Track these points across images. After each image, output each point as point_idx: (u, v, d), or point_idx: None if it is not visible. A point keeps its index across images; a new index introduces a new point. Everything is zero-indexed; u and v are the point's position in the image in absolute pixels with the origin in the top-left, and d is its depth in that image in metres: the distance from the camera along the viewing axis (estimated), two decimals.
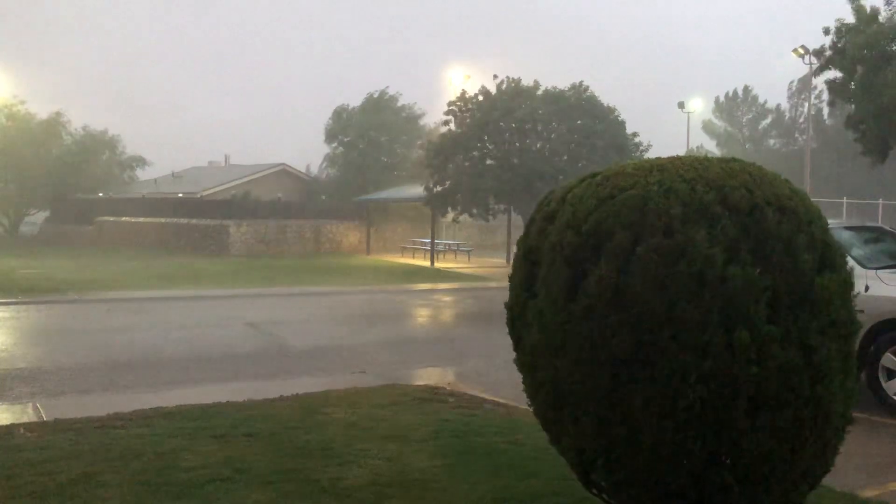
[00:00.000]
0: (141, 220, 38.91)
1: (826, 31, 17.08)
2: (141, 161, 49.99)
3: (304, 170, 48.78)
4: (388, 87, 45.70)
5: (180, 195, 41.87)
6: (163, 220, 37.67)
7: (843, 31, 16.82)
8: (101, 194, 45.68)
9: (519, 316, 3.91)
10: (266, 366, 10.26)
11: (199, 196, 40.60)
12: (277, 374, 9.71)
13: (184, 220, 36.54)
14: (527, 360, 3.87)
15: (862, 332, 7.13)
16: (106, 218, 41.15)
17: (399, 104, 45.54)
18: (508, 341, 4.18)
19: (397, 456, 5.64)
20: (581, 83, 30.62)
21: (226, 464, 5.37)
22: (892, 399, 7.49)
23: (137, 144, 52.93)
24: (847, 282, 3.64)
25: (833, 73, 17.81)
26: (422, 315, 17.28)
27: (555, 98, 29.89)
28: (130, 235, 38.61)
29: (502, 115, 29.27)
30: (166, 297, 18.71)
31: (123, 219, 40.04)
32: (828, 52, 17.36)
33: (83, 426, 6.44)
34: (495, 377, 9.25)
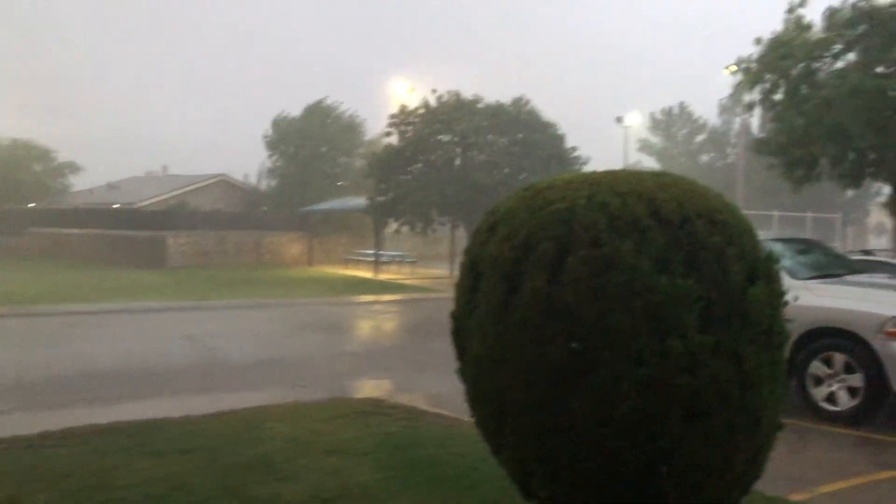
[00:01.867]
0: (75, 231, 37.83)
1: (757, 41, 17.50)
2: (73, 167, 48.65)
3: (244, 180, 48.12)
4: (327, 96, 45.32)
5: (116, 206, 40.89)
6: (98, 231, 36.69)
7: (772, 43, 17.29)
8: (33, 205, 44.27)
9: (463, 326, 3.94)
10: (205, 380, 10.07)
11: (135, 207, 39.71)
12: (217, 388, 9.54)
13: (120, 232, 35.66)
14: (469, 371, 3.90)
15: (791, 341, 7.39)
16: (38, 229, 39.89)
17: (339, 113, 45.18)
18: (452, 352, 4.20)
19: (339, 470, 5.59)
20: (522, 97, 31.03)
21: (162, 481, 5.25)
22: (820, 405, 7.74)
23: (71, 154, 51.44)
24: (778, 292, 3.76)
25: (762, 86, 18.21)
26: (365, 327, 17.21)
27: (496, 111, 30.20)
28: (64, 247, 37.49)
29: (444, 128, 29.45)
30: (101, 310, 18.21)
31: (56, 230, 38.88)
32: (754, 66, 17.78)
33: (9, 446, 6.21)
34: (438, 389, 9.25)
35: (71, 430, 6.72)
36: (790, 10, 17.19)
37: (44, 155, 47.36)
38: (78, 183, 49.04)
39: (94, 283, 24.96)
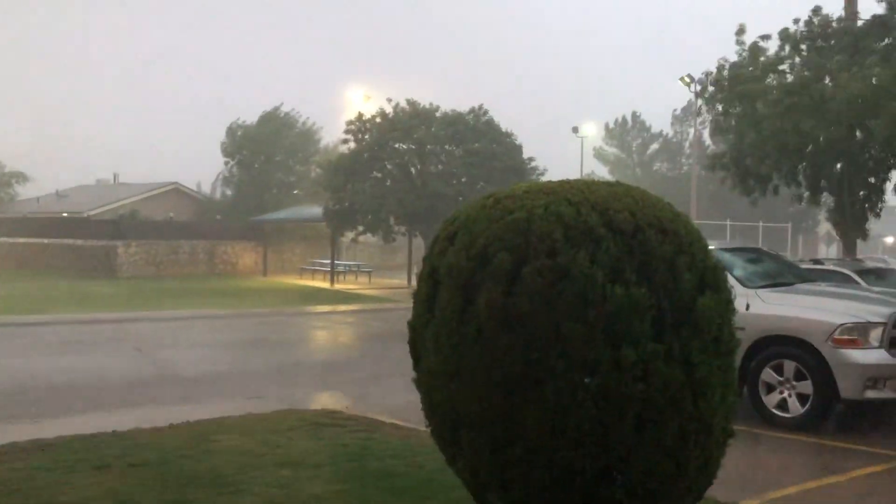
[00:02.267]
0: (22, 240, 36.89)
1: (719, 69, 17.89)
2: (21, 177, 47.46)
3: (198, 189, 47.42)
4: (282, 103, 44.85)
5: (65, 215, 39.98)
6: (46, 240, 35.82)
7: (725, 68, 17.73)
8: None
9: (420, 336, 3.91)
10: (155, 393, 9.85)
11: (85, 216, 38.87)
12: (167, 401, 9.33)
13: (69, 241, 34.86)
14: (424, 381, 3.87)
15: (743, 349, 7.52)
16: None
17: (295, 121, 44.74)
18: (409, 363, 4.16)
19: (291, 482, 5.51)
20: (480, 107, 31.13)
21: (108, 496, 5.11)
22: (771, 412, 7.87)
23: (17, 162, 50.08)
24: (727, 301, 3.81)
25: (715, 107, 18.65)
26: (320, 338, 17.05)
27: (453, 121, 30.27)
28: (10, 257, 36.52)
29: (401, 137, 29.42)
30: (47, 321, 17.74)
31: (2, 240, 37.86)
32: (710, 88, 18.24)
33: None
34: (394, 400, 9.19)
35: (15, 445, 6.51)
36: (738, 33, 17.70)
37: None
38: (25, 192, 47.83)
39: (41, 293, 24.33)
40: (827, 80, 16.12)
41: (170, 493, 5.23)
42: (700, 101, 18.85)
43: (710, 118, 18.52)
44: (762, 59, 17.26)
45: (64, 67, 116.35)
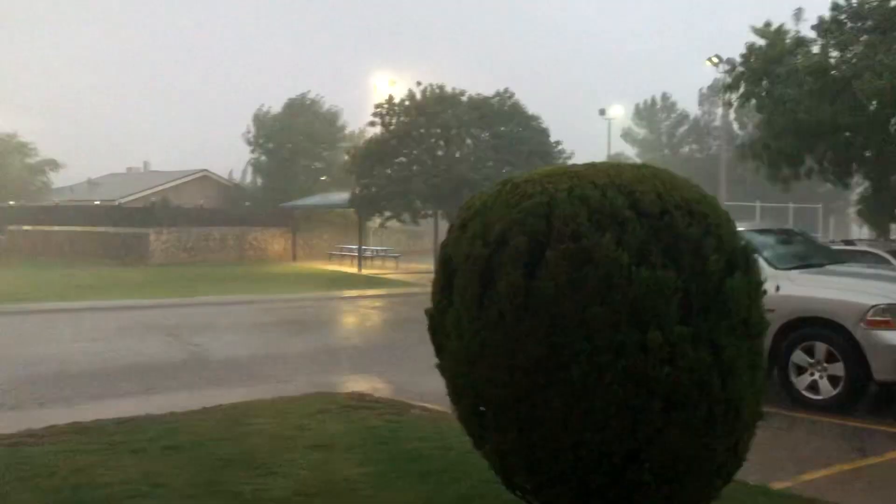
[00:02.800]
0: (56, 228, 37.51)
1: (748, 47, 17.63)
2: (54, 164, 48.19)
3: (226, 176, 47.78)
4: (308, 90, 44.97)
5: (97, 202, 40.55)
6: (79, 228, 36.39)
7: (753, 50, 17.45)
8: (12, 202, 43.84)
9: (439, 323, 3.94)
10: (188, 377, 10.02)
11: (117, 203, 39.40)
12: (200, 385, 9.49)
13: (101, 229, 35.39)
14: (448, 367, 3.89)
15: (773, 330, 7.46)
16: (19, 227, 39.51)
17: (320, 107, 44.84)
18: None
19: (323, 465, 5.59)
20: (506, 90, 31.00)
21: (144, 479, 5.22)
22: (802, 394, 7.81)
23: (52, 150, 50.90)
24: (756, 282, 3.79)
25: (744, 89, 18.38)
26: (349, 322, 17.18)
27: (479, 105, 30.16)
28: (45, 245, 37.17)
29: (427, 121, 29.38)
30: (83, 307, 18.07)
31: (37, 228, 38.53)
32: (739, 69, 17.97)
33: None
34: (423, 383, 9.23)
35: (54, 429, 6.67)
36: (766, 25, 17.43)
37: (22, 148, 46.85)
38: (58, 180, 48.63)
39: (75, 280, 24.76)
40: (854, 61, 15.83)
41: (204, 475, 5.33)
42: (727, 79, 18.53)
43: (738, 97, 18.21)
44: (788, 40, 16.99)
45: (95, 56, 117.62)
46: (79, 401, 8.46)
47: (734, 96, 18.04)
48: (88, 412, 7.48)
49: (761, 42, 17.44)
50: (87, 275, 26.82)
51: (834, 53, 16.38)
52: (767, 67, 16.77)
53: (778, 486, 5.38)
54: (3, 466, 5.54)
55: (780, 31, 17.13)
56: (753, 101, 17.64)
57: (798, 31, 17.19)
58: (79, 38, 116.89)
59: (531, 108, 30.86)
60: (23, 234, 38.95)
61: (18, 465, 5.55)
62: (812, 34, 17.05)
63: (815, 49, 16.94)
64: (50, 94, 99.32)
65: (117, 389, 9.13)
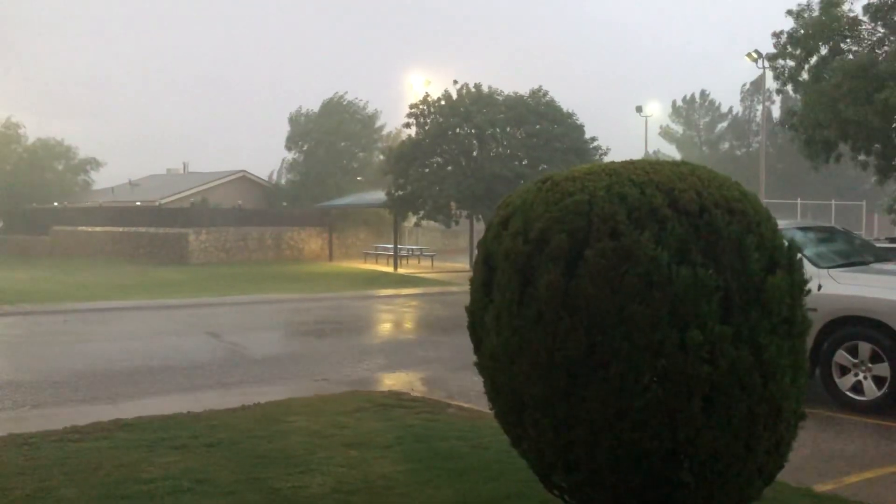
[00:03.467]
0: (97, 229, 38.24)
1: (790, 13, 17.35)
2: (94, 163, 49.13)
3: (264, 176, 48.29)
4: (346, 92, 45.32)
5: (138, 203, 41.25)
6: (120, 229, 37.07)
7: (801, 17, 17.14)
8: (56, 204, 44.81)
9: (479, 320, 3.94)
10: (227, 375, 10.15)
11: (157, 204, 40.04)
12: (239, 383, 9.61)
13: (142, 229, 36.00)
14: (486, 364, 3.90)
15: (815, 330, 7.33)
16: (62, 227, 40.38)
17: (356, 107, 45.13)
18: (471, 346, 4.20)
19: (360, 463, 5.62)
20: (540, 88, 30.89)
21: (186, 475, 5.31)
22: (845, 395, 7.67)
23: (93, 152, 51.92)
24: (799, 281, 3.73)
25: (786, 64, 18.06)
26: (385, 321, 17.26)
27: (514, 103, 30.08)
28: (87, 245, 37.92)
29: (462, 121, 29.38)
30: (124, 307, 18.42)
31: (80, 228, 39.32)
32: (784, 40, 17.64)
33: (39, 440, 6.31)
34: (459, 382, 9.27)
35: (97, 425, 6.81)
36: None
37: (66, 153, 47.88)
38: (99, 181, 49.60)
39: (117, 279, 25.22)
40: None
41: (243, 472, 5.40)
42: (769, 65, 18.26)
43: (783, 77, 17.89)
44: (834, 11, 16.67)
45: (136, 59, 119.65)
46: (121, 398, 8.63)
47: (781, 72, 17.74)
48: (131, 409, 7.63)
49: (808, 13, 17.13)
50: (128, 274, 27.30)
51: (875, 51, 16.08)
52: (813, 46, 16.50)
53: (821, 488, 5.28)
54: (49, 461, 5.67)
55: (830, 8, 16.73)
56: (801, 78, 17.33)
57: (851, 11, 16.85)
58: (119, 41, 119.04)
59: (567, 105, 30.75)
60: (66, 235, 39.78)
61: (64, 461, 5.68)
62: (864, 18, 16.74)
63: (863, 31, 16.62)
64: (92, 97, 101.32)
65: (159, 387, 9.28)
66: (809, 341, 3.83)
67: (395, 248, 32.07)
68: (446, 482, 5.18)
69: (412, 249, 35.14)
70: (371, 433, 6.50)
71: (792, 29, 17.36)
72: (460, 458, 5.73)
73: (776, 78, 18.62)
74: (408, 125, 30.99)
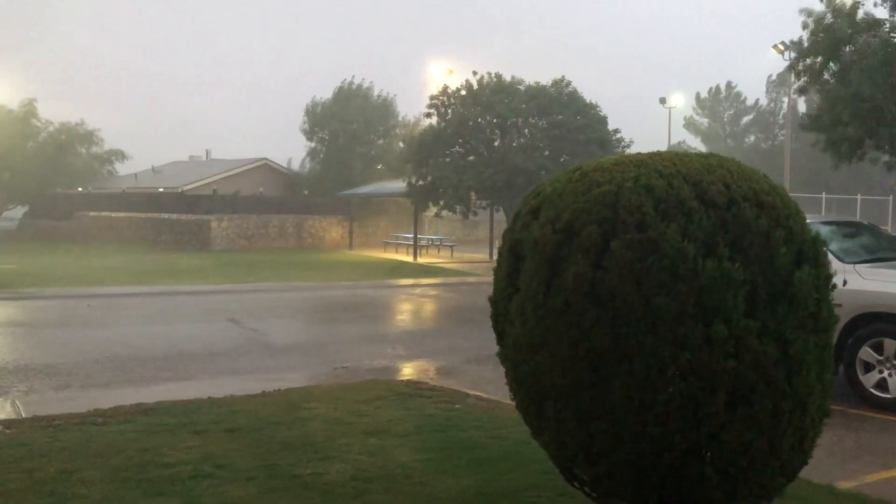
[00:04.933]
0: (121, 214, 38.59)
1: (808, 14, 17.13)
2: (120, 155, 49.57)
3: (285, 164, 48.45)
4: (362, 78, 44.74)
5: (161, 190, 41.57)
6: (143, 214, 37.38)
7: (821, 19, 16.91)
8: (80, 189, 45.27)
9: (503, 310, 3.93)
10: (248, 361, 10.22)
11: (179, 191, 40.32)
12: (259, 369, 9.67)
13: (164, 215, 36.29)
14: (509, 355, 3.88)
15: (840, 326, 7.24)
16: (85, 213, 40.79)
17: (370, 92, 44.67)
18: (491, 336, 4.19)
19: (379, 451, 5.64)
20: (563, 78, 30.67)
21: (207, 459, 5.35)
22: (870, 392, 7.58)
23: (116, 138, 52.82)
24: (826, 276, 3.68)
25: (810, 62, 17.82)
26: (405, 310, 17.29)
27: (536, 93, 29.91)
28: (110, 230, 38.29)
29: (483, 111, 29.27)
30: (147, 292, 18.58)
31: (103, 214, 39.70)
32: (805, 41, 17.41)
33: (62, 422, 6.39)
34: (478, 372, 9.27)
35: (120, 409, 6.88)
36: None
37: (89, 136, 48.24)
38: (123, 167, 50.05)
39: (139, 265, 25.44)
40: None
41: (264, 458, 5.43)
42: (793, 56, 18.01)
43: (805, 72, 17.65)
44: (860, 17, 16.42)
45: (159, 48, 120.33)
46: (143, 382, 8.71)
47: (801, 72, 17.50)
48: (153, 393, 7.70)
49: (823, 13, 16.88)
50: (151, 260, 27.54)
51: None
52: (835, 47, 16.26)
53: (844, 485, 5.23)
54: (73, 444, 5.74)
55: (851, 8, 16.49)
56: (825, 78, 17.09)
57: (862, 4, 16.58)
58: (144, 30, 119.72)
59: (589, 95, 30.54)
60: (90, 220, 40.18)
61: (87, 443, 5.75)
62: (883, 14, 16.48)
63: (886, 28, 16.35)
64: (117, 85, 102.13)
65: (180, 372, 9.36)
66: (834, 337, 3.77)
67: (415, 238, 32.08)
68: (465, 472, 5.18)
69: (432, 239, 35.15)
70: (390, 421, 6.51)
71: (808, 34, 17.11)
72: (479, 448, 5.73)
73: (797, 77, 18.36)
74: (428, 115, 30.92)
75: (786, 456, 3.57)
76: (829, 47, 16.41)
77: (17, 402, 7.50)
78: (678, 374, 3.27)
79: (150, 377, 9.03)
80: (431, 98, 30.75)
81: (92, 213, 40.38)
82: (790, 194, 3.84)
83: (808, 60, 17.28)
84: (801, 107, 43.92)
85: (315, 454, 5.53)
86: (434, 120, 30.54)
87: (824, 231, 8.27)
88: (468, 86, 30.10)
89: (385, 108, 44.49)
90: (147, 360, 10.13)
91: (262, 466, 5.24)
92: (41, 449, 5.61)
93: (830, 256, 6.87)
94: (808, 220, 3.82)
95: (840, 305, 4.05)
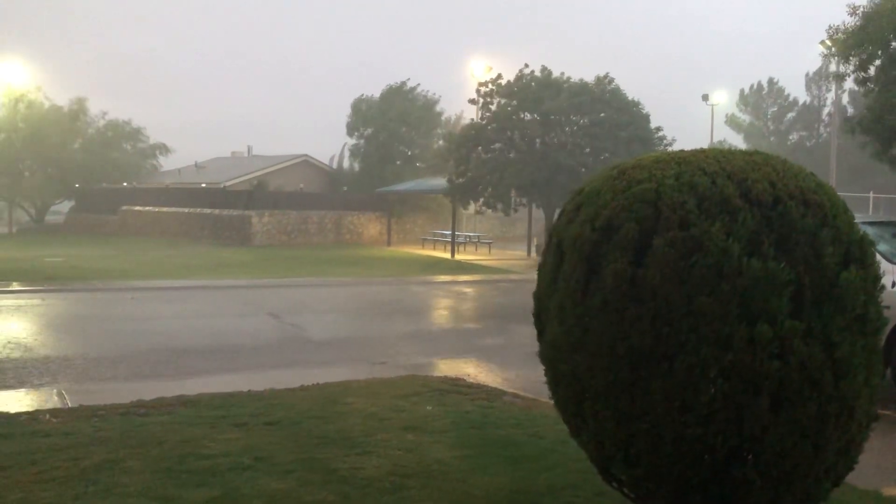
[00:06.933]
0: (165, 209, 39.24)
1: (853, 10, 16.71)
2: (164, 148, 50.43)
3: (326, 161, 48.86)
4: (408, 78, 45.52)
5: (203, 185, 42.17)
6: (186, 209, 37.96)
7: (868, 15, 16.46)
8: (125, 184, 46.15)
9: (545, 307, 3.90)
10: (287, 356, 10.32)
11: (222, 186, 40.86)
12: (298, 364, 9.76)
13: (207, 210, 36.81)
14: (548, 353, 3.86)
15: (888, 329, 7.06)
16: (130, 207, 41.55)
17: (418, 95, 45.25)
18: (529, 333, 4.16)
19: (416, 446, 5.65)
20: (606, 75, 30.40)
21: (246, 452, 5.41)
22: None
23: (160, 134, 53.57)
24: (874, 276, 3.59)
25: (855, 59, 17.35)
26: (442, 307, 17.30)
27: (579, 90, 29.69)
28: (154, 225, 38.96)
29: (531, 104, 29.08)
30: (189, 286, 18.86)
31: (147, 208, 40.41)
32: (848, 34, 16.95)
33: (107, 413, 6.52)
34: (515, 369, 9.24)
35: (162, 401, 6.99)
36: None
37: (135, 134, 49.21)
38: (167, 163, 50.92)
39: (182, 259, 25.84)
40: None
41: (302, 451, 5.48)
42: (832, 49, 17.56)
43: (847, 69, 17.18)
44: None
45: (204, 46, 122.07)
46: (185, 374, 8.85)
47: (843, 67, 17.04)
48: (194, 386, 7.81)
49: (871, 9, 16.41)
50: (193, 254, 27.95)
51: None
52: (886, 36, 15.82)
53: (889, 492, 5.11)
54: (116, 434, 5.85)
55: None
56: (871, 69, 16.61)
57: None
58: (189, 28, 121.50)
59: (630, 92, 30.23)
60: (134, 215, 40.93)
61: (130, 434, 5.86)
62: None
63: None
64: (162, 82, 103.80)
65: (221, 365, 9.49)
66: (882, 340, 3.68)
67: (453, 235, 32.09)
68: (502, 470, 5.17)
69: (469, 236, 35.13)
70: (427, 418, 6.52)
71: (855, 25, 16.62)
72: (516, 446, 5.71)
73: (838, 73, 17.88)
74: (473, 101, 30.76)
75: (831, 460, 3.49)
76: (879, 37, 15.96)
77: (64, 392, 7.67)
78: (721, 374, 3.21)
79: (192, 369, 9.16)
80: (480, 84, 30.63)
81: (136, 208, 41.12)
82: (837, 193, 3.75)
83: (853, 56, 16.83)
84: (845, 100, 42.93)
85: (352, 448, 5.56)
86: (477, 110, 30.40)
87: (872, 231, 8.09)
88: (519, 77, 29.94)
89: (428, 109, 44.81)
90: (189, 352, 10.28)
91: (301, 460, 5.28)
92: (85, 438, 5.72)
93: (879, 257, 6.73)
94: (855, 220, 3.73)
95: (888, 308, 3.95)
